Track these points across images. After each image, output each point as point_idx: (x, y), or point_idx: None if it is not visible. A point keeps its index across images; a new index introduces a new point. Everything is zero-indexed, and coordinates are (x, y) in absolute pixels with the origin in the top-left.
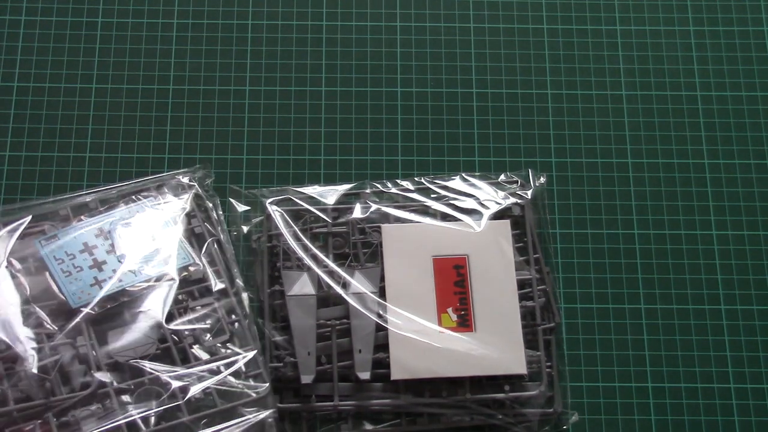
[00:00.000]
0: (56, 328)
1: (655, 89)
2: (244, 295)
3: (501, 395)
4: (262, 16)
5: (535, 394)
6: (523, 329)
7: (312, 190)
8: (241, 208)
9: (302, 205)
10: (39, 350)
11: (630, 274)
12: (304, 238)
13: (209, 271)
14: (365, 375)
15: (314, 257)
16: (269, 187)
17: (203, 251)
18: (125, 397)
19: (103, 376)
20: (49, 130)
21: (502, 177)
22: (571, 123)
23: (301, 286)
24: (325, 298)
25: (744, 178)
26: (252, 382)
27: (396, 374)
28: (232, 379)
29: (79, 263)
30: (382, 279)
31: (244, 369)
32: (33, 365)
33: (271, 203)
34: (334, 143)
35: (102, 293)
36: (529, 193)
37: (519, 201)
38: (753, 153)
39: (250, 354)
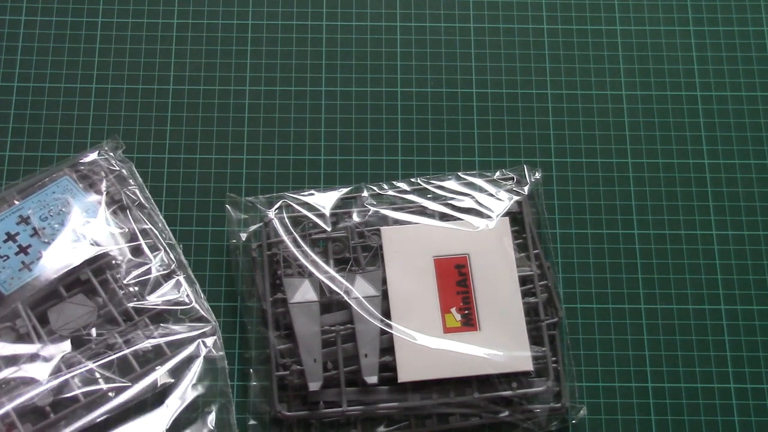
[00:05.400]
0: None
1: (655, 89)
2: (180, 249)
3: (509, 393)
4: (262, 16)
5: (542, 390)
6: (526, 325)
7: (309, 197)
8: (238, 216)
9: (300, 211)
10: None
11: (630, 274)
12: (303, 245)
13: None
14: (372, 379)
15: (315, 263)
16: (269, 187)
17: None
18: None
19: (53, 349)
20: (49, 130)
21: (498, 174)
22: (571, 123)
23: (304, 293)
24: (328, 304)
25: (744, 178)
26: (197, 324)
27: (403, 377)
28: (177, 328)
29: (5, 252)
30: (384, 282)
31: (185, 317)
32: None
33: (269, 211)
34: (334, 143)
35: (33, 275)
36: (526, 188)
37: (516, 197)
38: (753, 153)
39: (188, 288)
